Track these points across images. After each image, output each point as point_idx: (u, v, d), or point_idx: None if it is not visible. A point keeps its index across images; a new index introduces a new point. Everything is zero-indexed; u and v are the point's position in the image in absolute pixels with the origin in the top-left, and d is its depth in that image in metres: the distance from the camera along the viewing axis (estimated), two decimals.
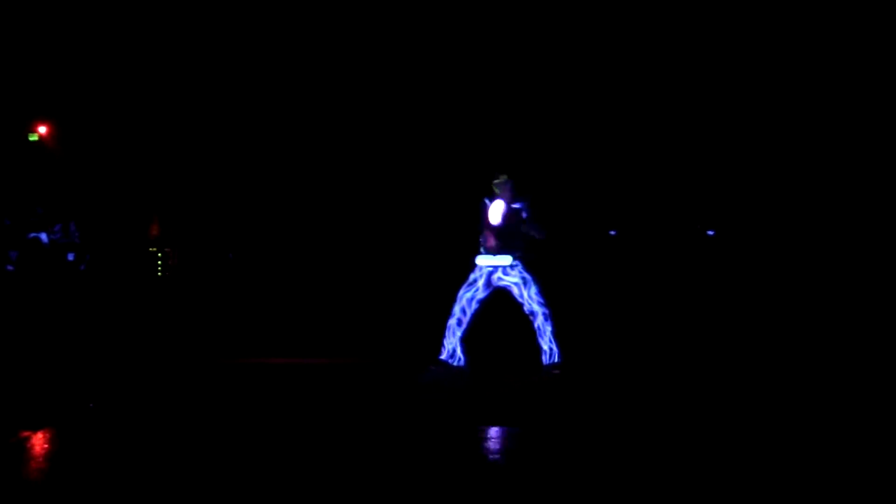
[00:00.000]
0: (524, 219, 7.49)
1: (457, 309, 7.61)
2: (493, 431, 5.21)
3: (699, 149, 13.92)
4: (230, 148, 14.65)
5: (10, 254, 10.49)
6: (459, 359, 7.63)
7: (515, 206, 7.54)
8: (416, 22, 13.60)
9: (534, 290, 7.43)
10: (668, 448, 4.70)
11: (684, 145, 13.99)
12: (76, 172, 14.21)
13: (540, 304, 7.44)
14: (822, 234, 13.15)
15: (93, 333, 10.05)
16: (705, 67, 13.65)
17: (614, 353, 9.07)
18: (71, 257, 10.78)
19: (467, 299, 7.59)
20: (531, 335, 7.47)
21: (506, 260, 7.49)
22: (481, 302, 7.63)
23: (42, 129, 14.03)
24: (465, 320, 7.59)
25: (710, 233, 14.61)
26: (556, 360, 7.42)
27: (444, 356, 7.61)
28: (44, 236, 10.67)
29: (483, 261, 7.57)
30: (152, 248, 14.56)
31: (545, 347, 7.45)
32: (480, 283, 7.58)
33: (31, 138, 14.05)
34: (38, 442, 4.89)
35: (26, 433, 5.04)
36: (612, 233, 14.75)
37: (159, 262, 14.60)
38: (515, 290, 7.51)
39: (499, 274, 7.52)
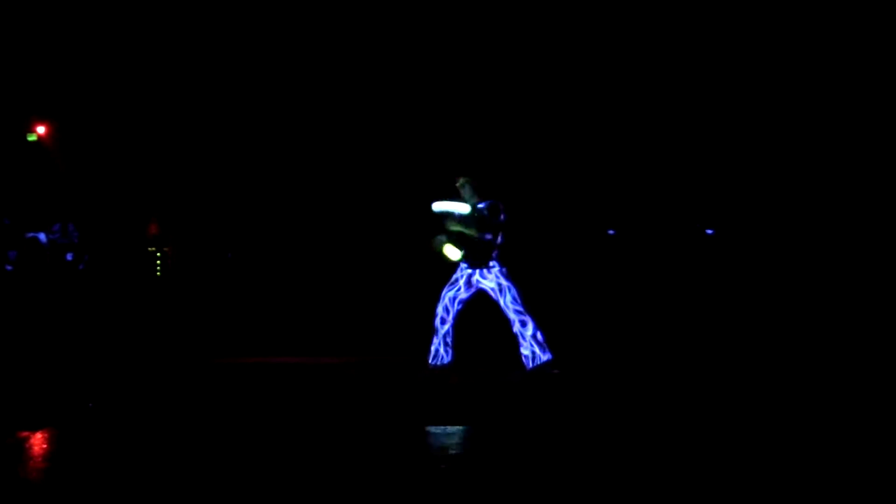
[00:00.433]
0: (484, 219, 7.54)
1: (440, 308, 7.68)
2: (453, 430, 5.18)
3: (698, 148, 13.93)
4: (228, 148, 14.64)
5: (9, 254, 10.49)
6: (442, 357, 7.67)
7: (480, 206, 7.57)
8: (417, 22, 13.61)
9: (509, 297, 7.48)
10: (656, 447, 4.70)
11: (683, 145, 13.99)
12: (74, 172, 14.20)
13: (516, 311, 7.48)
14: (822, 234, 13.16)
15: (91, 333, 10.05)
16: (704, 67, 13.65)
17: (612, 353, 9.07)
18: (69, 257, 10.78)
19: (449, 298, 7.66)
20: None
21: (478, 263, 7.56)
22: (464, 302, 7.68)
23: (41, 129, 14.01)
24: (448, 319, 7.65)
25: (710, 232, 14.62)
26: (539, 362, 7.44)
27: (429, 357, 7.68)
28: (42, 236, 10.67)
29: (453, 256, 7.63)
30: (151, 247, 14.56)
31: (526, 353, 7.48)
32: (462, 282, 7.65)
33: (29, 138, 14.04)
34: (37, 442, 4.89)
35: (25, 433, 5.04)
36: (611, 232, 14.76)
37: (158, 262, 14.59)
38: (492, 294, 7.57)
39: (477, 276, 7.59)
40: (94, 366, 8.10)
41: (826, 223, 13.21)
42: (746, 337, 9.93)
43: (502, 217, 7.60)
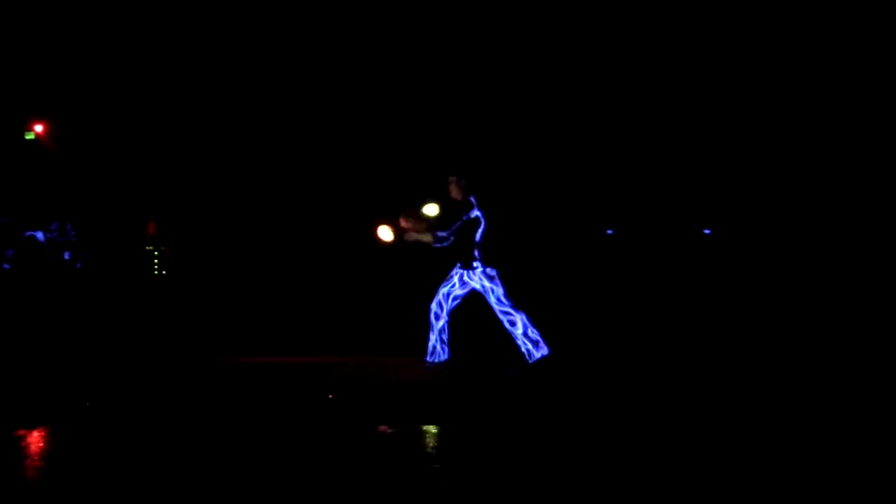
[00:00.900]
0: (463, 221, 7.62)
1: (433, 304, 7.72)
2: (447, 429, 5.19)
3: (696, 148, 13.93)
4: (226, 147, 14.64)
5: (7, 252, 10.48)
6: (439, 354, 7.69)
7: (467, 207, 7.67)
8: (416, 22, 13.61)
9: (493, 298, 7.55)
10: (651, 446, 4.70)
11: (682, 145, 14.00)
12: (72, 171, 14.19)
13: (502, 312, 7.55)
14: (819, 233, 13.16)
15: (89, 332, 10.03)
16: (702, 67, 13.65)
17: (610, 351, 9.06)
18: (67, 256, 10.77)
19: (443, 294, 7.71)
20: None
21: (463, 264, 7.63)
22: (460, 298, 7.71)
23: (38, 128, 14.00)
24: (442, 314, 7.69)
25: (707, 231, 14.63)
26: (535, 359, 7.47)
27: (427, 355, 7.71)
28: (40, 235, 10.66)
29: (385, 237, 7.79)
30: (149, 246, 14.53)
31: (522, 350, 7.53)
32: (456, 279, 7.70)
33: (27, 137, 14.02)
34: (34, 440, 4.88)
35: (22, 432, 5.03)
36: (610, 232, 14.76)
37: (156, 261, 14.57)
38: (483, 294, 7.63)
39: (466, 276, 7.64)
40: (91, 364, 8.08)
41: (824, 223, 13.22)
42: (744, 336, 9.92)
43: (474, 213, 7.62)
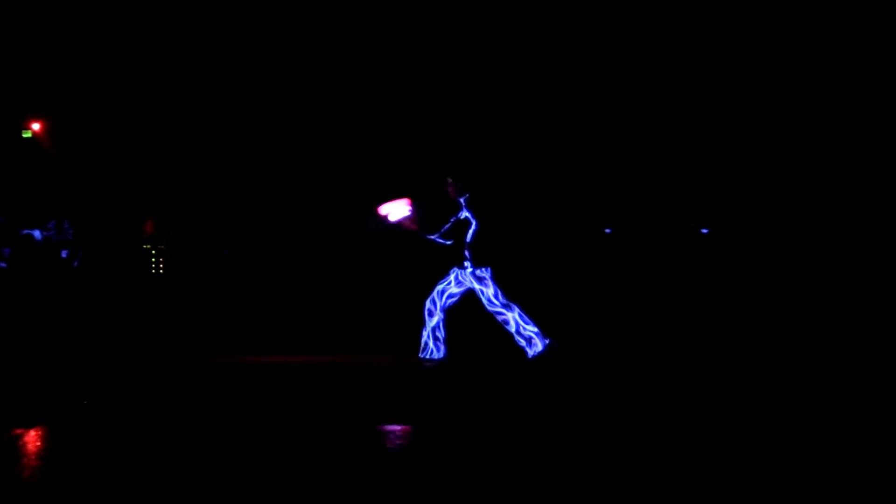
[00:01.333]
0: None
1: (428, 301, 7.77)
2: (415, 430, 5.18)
3: (694, 147, 13.94)
4: (225, 146, 14.62)
5: (4, 250, 10.47)
6: (433, 351, 7.71)
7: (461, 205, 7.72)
8: (416, 22, 13.60)
9: (484, 299, 7.63)
10: (646, 445, 4.69)
11: (679, 144, 14.00)
12: (70, 169, 14.17)
13: (494, 312, 7.64)
14: (817, 233, 13.17)
15: (86, 330, 10.02)
16: (700, 67, 13.66)
17: (608, 351, 9.07)
18: (64, 254, 10.76)
19: (438, 292, 7.76)
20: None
21: (456, 262, 7.68)
22: (455, 297, 7.74)
23: (35, 126, 13.98)
24: (436, 311, 7.73)
25: (705, 231, 14.63)
26: (533, 355, 7.53)
27: (420, 351, 7.75)
28: (37, 233, 10.65)
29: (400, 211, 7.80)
30: (146, 245, 14.52)
31: (522, 343, 7.59)
32: (452, 277, 7.75)
33: (24, 135, 14.01)
34: (31, 440, 4.87)
35: (19, 431, 5.02)
36: (608, 231, 14.77)
37: (153, 260, 14.56)
38: (476, 294, 7.69)
39: (460, 275, 7.69)
40: (89, 363, 8.07)
41: (821, 222, 13.23)
42: (741, 336, 9.93)
43: (462, 214, 7.66)
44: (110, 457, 4.51)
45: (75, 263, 10.72)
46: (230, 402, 6.18)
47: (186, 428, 5.26)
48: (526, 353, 7.58)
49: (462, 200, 7.66)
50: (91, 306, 11.07)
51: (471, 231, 7.65)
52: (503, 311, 7.57)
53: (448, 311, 7.79)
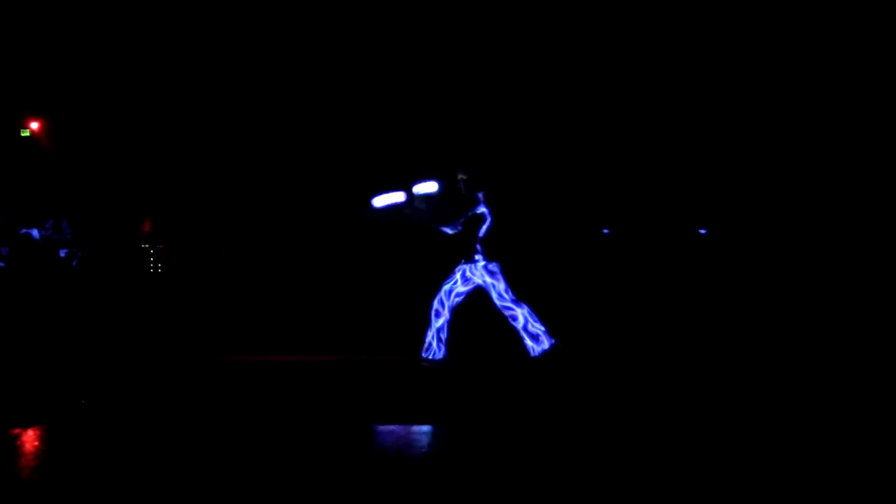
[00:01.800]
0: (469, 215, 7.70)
1: (435, 301, 7.74)
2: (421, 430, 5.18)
3: (693, 148, 13.95)
4: (223, 146, 14.62)
5: (2, 250, 10.45)
6: (435, 352, 7.70)
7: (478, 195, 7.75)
8: (415, 22, 13.60)
9: (495, 294, 7.60)
10: (650, 445, 4.70)
11: (678, 145, 14.01)
12: (68, 168, 14.16)
13: (503, 307, 7.62)
14: (815, 232, 13.18)
15: (84, 330, 10.01)
16: (699, 68, 13.66)
17: (607, 350, 9.07)
18: (62, 254, 10.74)
19: (445, 291, 7.73)
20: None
21: (466, 258, 7.68)
22: (462, 295, 7.72)
23: (34, 125, 13.97)
24: (443, 312, 7.70)
25: (703, 231, 14.64)
26: (539, 352, 7.53)
27: (422, 350, 7.73)
28: (35, 232, 10.62)
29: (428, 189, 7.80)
30: (145, 244, 14.53)
31: (528, 344, 7.59)
32: (458, 276, 7.73)
33: (23, 134, 14.00)
34: (30, 439, 4.87)
35: (17, 430, 5.01)
36: (606, 231, 14.77)
37: (152, 259, 14.56)
38: (485, 289, 7.67)
39: (468, 272, 7.67)
40: (87, 362, 8.07)
41: (819, 222, 13.23)
42: (738, 334, 9.93)
43: (480, 209, 7.68)
44: (107, 456, 4.51)
45: (73, 263, 10.70)
46: (229, 401, 6.17)
47: (185, 427, 5.26)
48: (530, 351, 7.56)
49: (480, 196, 7.68)
50: (89, 306, 11.06)
51: (485, 226, 7.67)
52: (513, 306, 7.56)
53: (452, 311, 7.77)
